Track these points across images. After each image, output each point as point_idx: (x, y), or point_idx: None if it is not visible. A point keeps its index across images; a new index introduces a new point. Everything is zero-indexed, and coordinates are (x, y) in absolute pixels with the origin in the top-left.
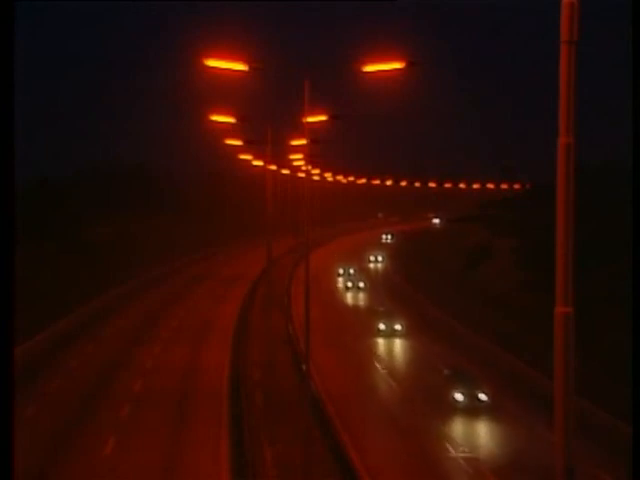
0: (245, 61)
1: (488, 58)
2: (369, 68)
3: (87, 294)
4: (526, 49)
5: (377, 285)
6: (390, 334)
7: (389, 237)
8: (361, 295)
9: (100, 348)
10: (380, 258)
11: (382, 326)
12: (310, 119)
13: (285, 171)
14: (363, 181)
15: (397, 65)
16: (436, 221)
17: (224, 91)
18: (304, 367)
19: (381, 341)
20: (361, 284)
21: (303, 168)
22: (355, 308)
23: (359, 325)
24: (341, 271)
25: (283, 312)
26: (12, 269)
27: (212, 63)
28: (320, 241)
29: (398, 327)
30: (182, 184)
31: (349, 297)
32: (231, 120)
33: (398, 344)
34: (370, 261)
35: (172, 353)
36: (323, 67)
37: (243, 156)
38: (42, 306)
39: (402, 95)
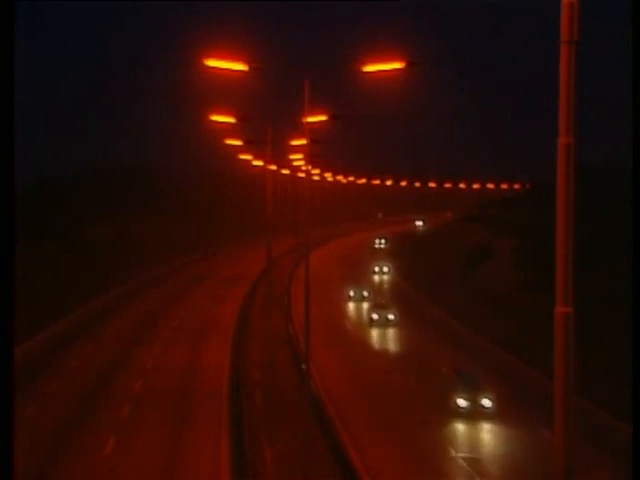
0: (245, 61)
1: (488, 58)
2: (369, 68)
3: (87, 294)
4: (526, 49)
5: (406, 314)
6: (475, 413)
7: (383, 242)
8: (392, 334)
9: (100, 348)
10: (386, 269)
11: (462, 402)
12: (310, 119)
13: (285, 171)
14: (363, 181)
15: (397, 65)
16: (419, 223)
17: (224, 91)
18: (304, 367)
19: (462, 427)
20: (391, 316)
21: (303, 168)
22: (387, 357)
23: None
24: (352, 293)
25: (283, 312)
26: (12, 269)
27: (212, 63)
28: (320, 241)
29: (487, 403)
30: (182, 184)
31: (376, 336)
32: (231, 120)
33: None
34: (375, 272)
35: (172, 353)
36: (323, 67)
37: (243, 156)
38: (42, 306)
39: (402, 95)
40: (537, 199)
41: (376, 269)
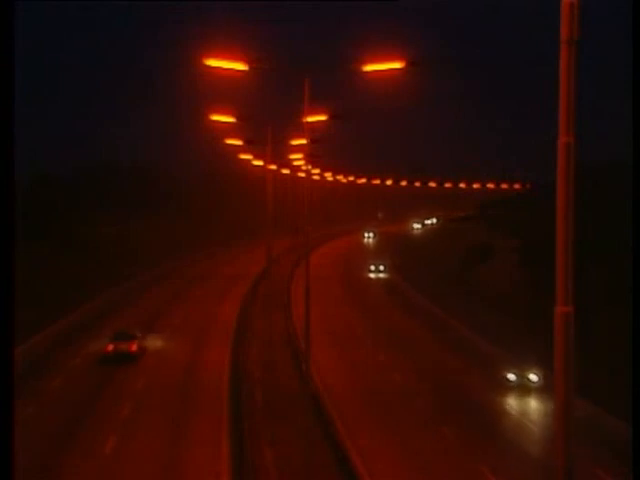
0: (245, 61)
1: (488, 58)
2: (369, 68)
3: (87, 294)
4: (526, 49)
5: None
6: None
7: (381, 268)
8: None
9: (101, 348)
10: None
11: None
12: (310, 119)
13: (285, 171)
14: (363, 181)
15: (397, 65)
16: (370, 235)
17: (224, 91)
18: (304, 367)
19: None
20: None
21: (303, 168)
22: None
23: None
24: (513, 377)
25: (283, 311)
26: (12, 269)
27: (212, 63)
28: (320, 240)
29: None
30: (182, 184)
31: None
32: (231, 120)
33: None
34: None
35: (173, 352)
36: (323, 67)
37: (243, 156)
38: (42, 306)
39: (402, 95)
40: (537, 199)
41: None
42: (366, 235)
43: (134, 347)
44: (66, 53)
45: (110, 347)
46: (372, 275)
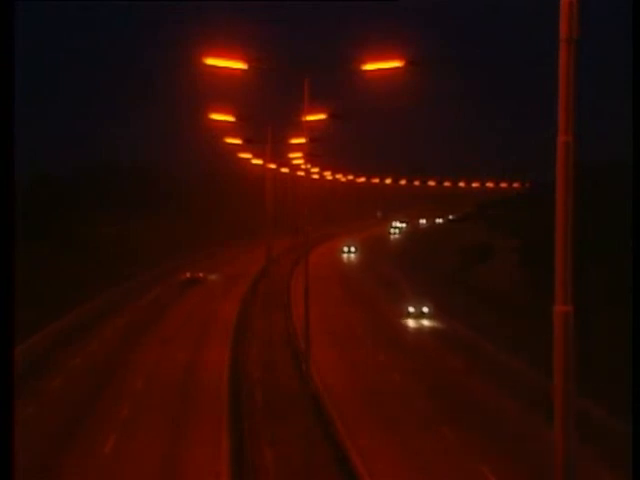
0: (245, 60)
1: (488, 58)
2: (369, 67)
3: (87, 294)
4: (526, 49)
5: None
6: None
7: (424, 310)
8: None
9: (101, 347)
10: None
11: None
12: (309, 118)
13: (285, 170)
14: (362, 180)
15: (397, 64)
16: (351, 249)
17: (224, 90)
18: (304, 367)
19: None
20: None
21: (302, 167)
22: None
23: None
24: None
25: (283, 311)
26: (12, 269)
27: (212, 62)
28: (320, 240)
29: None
30: (182, 184)
31: None
32: (231, 119)
33: None
34: None
35: (174, 350)
36: (323, 67)
37: (243, 155)
38: (42, 306)
39: (402, 95)
40: (537, 199)
41: None
42: (345, 250)
43: (201, 275)
44: (66, 53)
45: (188, 274)
46: (411, 323)
